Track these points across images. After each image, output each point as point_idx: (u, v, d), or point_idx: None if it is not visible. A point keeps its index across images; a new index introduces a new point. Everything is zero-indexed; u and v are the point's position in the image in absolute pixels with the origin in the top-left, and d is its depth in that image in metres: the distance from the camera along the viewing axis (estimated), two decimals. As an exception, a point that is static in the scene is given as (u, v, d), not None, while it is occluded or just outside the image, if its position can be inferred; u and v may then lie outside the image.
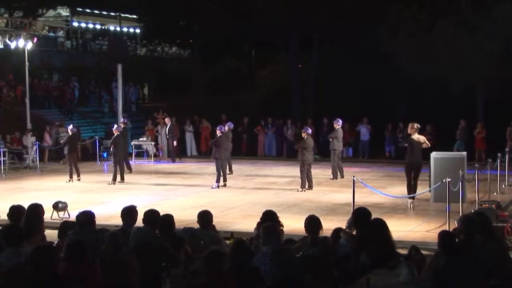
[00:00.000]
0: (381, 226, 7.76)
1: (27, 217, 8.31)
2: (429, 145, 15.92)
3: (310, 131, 19.01)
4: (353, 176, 14.11)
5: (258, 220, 8.98)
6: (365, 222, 7.93)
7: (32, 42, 25.28)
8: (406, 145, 15.71)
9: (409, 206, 15.41)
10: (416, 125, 15.62)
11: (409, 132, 15.80)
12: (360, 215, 8.14)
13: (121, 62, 27.66)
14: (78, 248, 6.67)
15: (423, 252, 8.39)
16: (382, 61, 29.26)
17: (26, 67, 25.87)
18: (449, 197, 12.75)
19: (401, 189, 18.38)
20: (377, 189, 16.25)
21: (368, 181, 17.22)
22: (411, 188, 15.60)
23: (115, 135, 20.75)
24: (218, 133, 19.51)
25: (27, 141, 26.06)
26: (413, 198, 15.40)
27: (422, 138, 15.68)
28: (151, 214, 8.19)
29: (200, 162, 26.56)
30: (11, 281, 5.98)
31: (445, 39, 27.53)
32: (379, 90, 30.26)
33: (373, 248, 7.43)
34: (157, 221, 8.16)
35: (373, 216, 8.19)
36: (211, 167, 20.84)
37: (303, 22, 31.52)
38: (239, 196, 17.66)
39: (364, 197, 16.06)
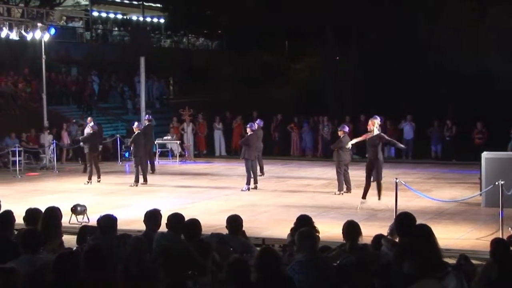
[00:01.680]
0: (427, 233, 7.67)
1: (44, 221, 8.39)
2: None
3: (347, 129, 18.93)
4: (396, 178, 14.01)
5: (292, 225, 8.96)
6: (409, 229, 7.85)
7: (49, 34, 25.51)
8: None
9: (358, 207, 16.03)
10: (374, 121, 16.29)
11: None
12: (403, 220, 8.07)
13: (144, 55, 27.84)
14: (97, 255, 6.68)
15: (473, 261, 8.30)
16: (427, 54, 29.04)
17: (43, 60, 26.18)
18: (502, 201, 12.59)
19: (449, 192, 18.25)
20: (422, 192, 16.12)
21: (412, 184, 17.08)
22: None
23: (136, 133, 20.89)
24: (248, 131, 19.53)
25: (44, 140, 26.35)
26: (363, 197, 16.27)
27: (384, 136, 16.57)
28: (176, 219, 8.21)
29: (229, 163, 26.63)
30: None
31: (497, 29, 27.24)
32: (424, 85, 30.03)
33: (417, 257, 7.36)
34: (183, 226, 8.18)
35: (418, 222, 8.12)
36: (240, 168, 20.87)
37: (340, 11, 31.40)
38: (271, 200, 17.65)
39: (408, 201, 15.95)
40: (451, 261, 8.44)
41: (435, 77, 29.74)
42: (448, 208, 15.86)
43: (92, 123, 22.35)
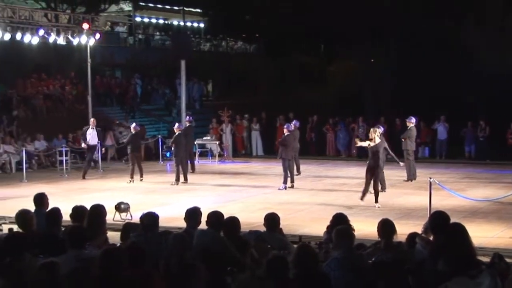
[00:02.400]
0: (461, 231, 7.59)
1: (90, 218, 8.47)
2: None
3: (382, 129, 18.83)
4: (430, 178, 13.88)
5: (328, 223, 8.93)
6: (443, 227, 7.78)
7: (95, 39, 25.79)
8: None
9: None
10: (376, 130, 16.58)
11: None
12: (438, 219, 7.98)
13: (184, 58, 27.97)
14: (138, 252, 6.71)
15: (507, 260, 8.19)
16: (461, 55, 28.71)
17: (88, 64, 26.46)
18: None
19: (483, 191, 18.03)
20: (456, 191, 15.94)
21: (446, 183, 16.91)
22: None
23: (176, 134, 21.00)
24: (285, 132, 19.51)
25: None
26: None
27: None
28: (215, 216, 8.23)
29: (266, 162, 26.63)
30: (72, 285, 6.10)
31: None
32: (458, 86, 29.69)
33: (451, 255, 7.28)
34: (222, 223, 8.19)
35: (452, 220, 8.03)
36: (278, 168, 20.86)
37: (377, 13, 31.19)
38: (308, 198, 17.63)
39: (442, 200, 15.78)
40: (485, 259, 8.33)
41: (469, 77, 29.38)
42: (482, 207, 15.66)
43: (134, 124, 22.52)
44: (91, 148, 22.96)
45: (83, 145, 22.89)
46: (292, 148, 19.87)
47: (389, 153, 17.47)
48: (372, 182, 16.35)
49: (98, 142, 23.32)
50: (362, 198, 16.48)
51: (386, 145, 17.11)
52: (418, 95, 29.97)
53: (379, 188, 18.21)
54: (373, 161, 16.35)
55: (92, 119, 23.60)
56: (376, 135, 16.47)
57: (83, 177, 22.13)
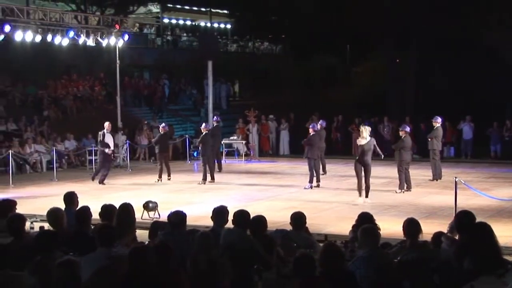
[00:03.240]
0: (486, 230, 7.52)
1: (119, 217, 8.52)
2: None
3: (408, 129, 18.75)
4: (455, 177, 13.78)
5: (353, 222, 8.90)
6: (469, 226, 7.71)
7: (123, 40, 25.96)
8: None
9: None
10: (366, 128, 16.84)
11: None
12: (463, 218, 7.93)
13: (211, 59, 28.04)
14: (166, 251, 6.73)
15: (533, 259, 8.08)
16: (487, 55, 28.45)
17: (117, 65, 26.63)
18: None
19: (508, 191, 17.85)
20: (482, 191, 15.80)
21: (471, 183, 16.77)
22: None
23: (203, 133, 21.05)
24: (311, 131, 19.47)
25: (118, 140, 26.76)
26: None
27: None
28: (241, 215, 8.24)
29: (292, 162, 26.59)
30: (101, 282, 6.14)
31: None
32: (483, 86, 29.44)
33: (477, 254, 7.21)
34: (248, 222, 8.20)
35: (477, 219, 7.96)
36: (304, 167, 20.83)
37: (402, 13, 31.02)
38: (333, 197, 17.59)
39: (467, 200, 15.65)
40: (511, 258, 8.24)
41: (494, 77, 29.12)
42: (508, 206, 15.50)
43: (163, 125, 22.57)
44: (106, 154, 20.94)
45: (107, 150, 21.04)
46: (318, 147, 19.84)
47: (376, 149, 17.43)
48: (364, 178, 16.68)
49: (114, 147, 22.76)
50: (360, 195, 16.69)
51: (375, 142, 17.21)
52: (443, 95, 29.77)
53: (404, 187, 18.17)
54: (365, 159, 16.56)
55: (107, 123, 21.77)
56: (367, 133, 16.68)
57: (96, 180, 20.87)
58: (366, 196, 16.61)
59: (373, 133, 28.17)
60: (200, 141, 21.35)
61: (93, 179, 21.08)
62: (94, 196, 17.38)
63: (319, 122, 21.50)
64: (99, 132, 21.61)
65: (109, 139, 21.54)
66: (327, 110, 29.08)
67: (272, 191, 18.92)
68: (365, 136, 16.61)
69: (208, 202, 16.37)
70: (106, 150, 20.82)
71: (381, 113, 29.20)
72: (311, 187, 19.17)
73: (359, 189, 16.78)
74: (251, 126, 28.73)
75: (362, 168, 16.70)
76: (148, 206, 14.67)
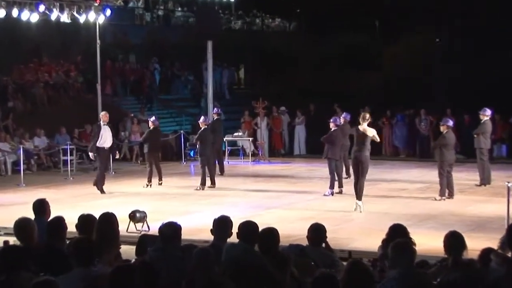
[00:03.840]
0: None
1: (99, 229, 8.53)
2: (378, 139, 17.85)
3: (451, 123, 18.70)
4: (507, 182, 13.75)
5: (383, 236, 8.91)
6: (524, 242, 7.73)
7: (105, 15, 25.95)
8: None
9: (355, 208, 16.89)
10: (366, 115, 17.36)
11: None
12: (517, 232, 7.93)
13: (211, 39, 28.04)
14: (151, 271, 6.74)
15: None
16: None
17: (98, 46, 26.65)
18: None
19: None
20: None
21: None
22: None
23: (202, 128, 21.04)
24: (332, 126, 19.44)
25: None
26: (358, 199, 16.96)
27: (370, 131, 17.18)
28: (248, 227, 8.24)
29: (310, 163, 26.59)
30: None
31: None
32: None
33: (534, 275, 7.22)
34: (256, 235, 8.21)
35: (535, 233, 7.97)
36: (323, 169, 20.82)
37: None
38: (359, 206, 17.59)
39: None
40: None
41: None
42: None
43: (153, 118, 22.42)
44: (105, 151, 20.62)
45: (91, 155, 21.25)
46: (341, 146, 19.81)
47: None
48: (361, 175, 17.15)
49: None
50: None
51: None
52: (492, 83, 29.66)
53: (446, 194, 18.14)
54: (361, 153, 17.10)
55: (103, 113, 21.30)
56: (365, 122, 17.11)
57: (100, 190, 20.43)
58: (358, 199, 17.14)
59: (408, 128, 28.48)
60: (197, 138, 21.37)
61: (97, 185, 20.52)
62: (69, 205, 17.41)
63: (342, 115, 21.49)
64: (94, 127, 21.40)
65: (106, 133, 20.49)
66: (352, 100, 29.01)
67: (285, 199, 18.93)
68: (364, 128, 17.17)
69: (208, 211, 16.43)
70: (90, 155, 20.94)
71: (418, 103, 29.09)
72: (332, 193, 19.17)
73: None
74: (260, 120, 28.74)
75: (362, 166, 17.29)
76: (135, 216, 14.70)
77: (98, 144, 20.39)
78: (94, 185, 20.40)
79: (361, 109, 28.83)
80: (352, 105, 26.99)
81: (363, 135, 17.05)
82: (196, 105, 34.32)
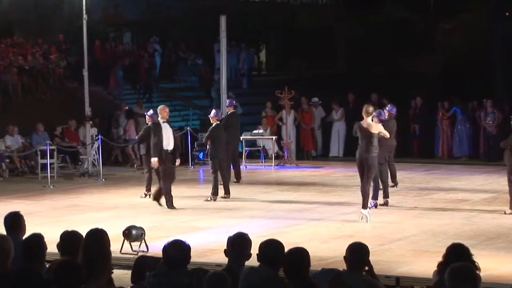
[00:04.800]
0: None
1: (87, 250, 8.54)
2: (387, 136, 18.13)
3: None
4: None
5: (440, 259, 8.89)
6: None
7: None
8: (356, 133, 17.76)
9: (360, 218, 17.38)
10: (369, 108, 17.67)
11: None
12: None
13: (225, 13, 28.02)
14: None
15: None
16: None
17: (84, 23, 26.73)
18: None
19: None
20: None
21: None
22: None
23: (213, 125, 21.02)
24: (375, 122, 19.36)
25: (86, 135, 26.86)
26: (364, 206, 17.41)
27: (376, 127, 17.59)
28: (271, 248, 8.23)
29: (348, 167, 26.53)
30: None
31: None
32: None
33: None
34: (281, 257, 8.21)
35: None
36: (364, 176, 20.79)
37: None
38: (409, 221, 17.56)
39: None
40: None
41: None
42: None
43: (151, 112, 22.39)
44: (168, 156, 20.02)
45: (155, 161, 19.97)
46: (385, 146, 19.74)
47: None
48: (366, 179, 17.46)
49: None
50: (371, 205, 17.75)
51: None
52: None
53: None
54: (368, 154, 17.42)
55: (161, 107, 20.69)
56: (369, 117, 17.44)
57: (169, 205, 19.75)
58: (363, 207, 17.54)
59: (471, 125, 28.32)
60: (208, 136, 21.36)
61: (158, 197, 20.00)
62: (49, 219, 17.46)
63: (387, 108, 21.38)
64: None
65: (168, 133, 20.11)
66: (399, 89, 28.93)
67: (317, 212, 18.91)
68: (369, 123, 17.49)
69: (221, 227, 16.41)
70: (154, 161, 19.81)
71: (483, 93, 28.96)
72: (375, 205, 19.10)
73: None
74: (285, 114, 28.69)
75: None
76: (131, 233, 14.71)
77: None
78: (154, 199, 19.86)
79: (411, 100, 29.00)
80: (400, 95, 26.95)
81: (368, 132, 17.38)
82: (206, 96, 34.37)
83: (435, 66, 35.86)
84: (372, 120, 18.16)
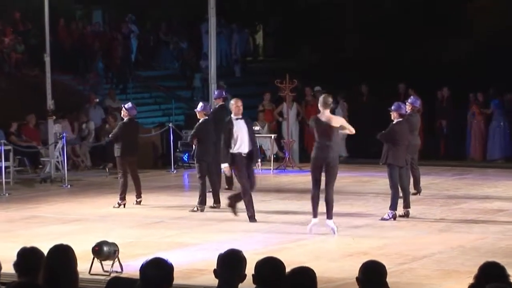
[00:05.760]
0: None
1: (49, 270, 8.57)
2: (352, 131, 18.27)
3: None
4: None
5: (471, 280, 8.92)
6: None
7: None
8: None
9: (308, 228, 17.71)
10: (328, 99, 17.86)
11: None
12: None
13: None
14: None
15: None
16: None
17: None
18: None
19: None
20: None
21: None
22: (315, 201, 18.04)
23: (200, 121, 21.03)
24: (395, 117, 19.38)
25: (48, 133, 26.83)
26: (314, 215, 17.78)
27: (337, 120, 18.10)
28: (270, 267, 8.27)
29: (358, 171, 26.60)
30: None
31: None
32: None
33: None
34: (282, 279, 8.24)
35: None
36: (380, 181, 20.84)
37: None
38: (434, 236, 17.61)
39: None
40: None
41: None
42: None
43: (129, 105, 22.38)
44: (242, 160, 19.50)
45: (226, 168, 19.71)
46: (406, 146, 19.75)
47: None
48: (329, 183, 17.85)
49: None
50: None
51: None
52: None
53: None
54: (327, 153, 17.69)
55: (234, 101, 20.07)
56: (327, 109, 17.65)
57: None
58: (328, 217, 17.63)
59: (509, 121, 28.33)
60: (194, 134, 21.36)
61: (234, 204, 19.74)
62: (5, 233, 17.49)
63: (409, 100, 21.43)
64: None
65: (242, 132, 19.59)
66: (422, 76, 28.97)
67: (324, 225, 18.93)
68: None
69: (210, 243, 16.47)
70: (225, 168, 19.47)
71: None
72: (394, 216, 19.12)
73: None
74: (286, 108, 28.72)
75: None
76: (102, 251, 14.73)
77: (232, 150, 19.79)
78: (230, 205, 19.63)
79: (438, 91, 29.01)
80: (424, 85, 26.98)
81: (328, 126, 17.44)
82: (191, 86, 34.37)
83: (465, 50, 35.90)
84: (390, 115, 18.23)
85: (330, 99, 17.91)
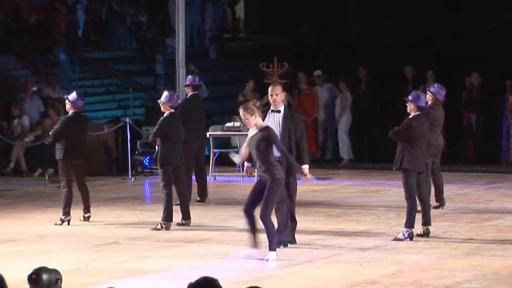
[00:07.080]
0: None
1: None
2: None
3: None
4: None
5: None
6: None
7: None
8: None
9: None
10: (253, 103, 18.16)
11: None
12: None
13: None
14: None
15: None
16: None
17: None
18: None
19: None
20: None
21: None
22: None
23: (165, 115, 21.08)
24: (411, 110, 19.44)
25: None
26: None
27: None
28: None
29: (366, 178, 26.68)
30: None
31: None
32: None
33: None
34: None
35: None
36: (393, 190, 20.94)
37: None
38: (460, 261, 17.64)
39: None
40: None
41: None
42: None
43: (74, 95, 22.42)
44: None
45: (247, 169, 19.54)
46: (426, 146, 19.82)
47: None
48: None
49: None
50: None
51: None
52: None
53: None
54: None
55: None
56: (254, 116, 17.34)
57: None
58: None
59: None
60: (157, 132, 21.41)
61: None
62: None
63: (431, 89, 21.52)
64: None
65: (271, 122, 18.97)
66: (447, 62, 29.13)
67: (323, 246, 19.01)
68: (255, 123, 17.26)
69: (177, 269, 16.56)
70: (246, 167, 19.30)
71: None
72: (410, 236, 19.19)
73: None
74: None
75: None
76: (40, 279, 14.71)
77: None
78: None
79: (466, 77, 29.12)
80: (449, 72, 27.12)
81: (265, 134, 17.21)
82: (153, 72, 34.44)
83: (498, 31, 36.07)
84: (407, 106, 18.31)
85: (258, 102, 18.25)
